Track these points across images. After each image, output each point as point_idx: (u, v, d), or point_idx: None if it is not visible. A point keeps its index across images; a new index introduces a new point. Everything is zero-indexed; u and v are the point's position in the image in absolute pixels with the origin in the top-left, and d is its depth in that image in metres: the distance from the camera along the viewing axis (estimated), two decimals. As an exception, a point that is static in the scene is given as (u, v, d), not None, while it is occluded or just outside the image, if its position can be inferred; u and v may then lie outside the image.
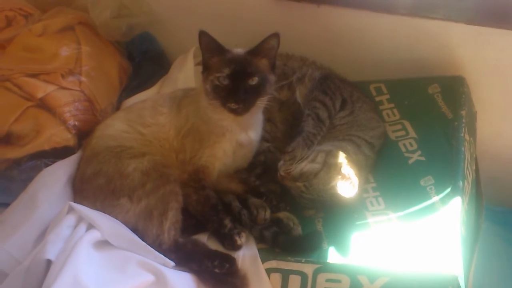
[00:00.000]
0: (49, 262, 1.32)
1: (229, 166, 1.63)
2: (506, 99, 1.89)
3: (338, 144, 1.57)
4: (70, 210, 1.44)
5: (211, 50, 1.52)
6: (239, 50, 1.54)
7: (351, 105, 1.68)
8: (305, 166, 1.51)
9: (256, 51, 1.53)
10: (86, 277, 1.26)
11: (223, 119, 1.55)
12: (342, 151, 1.52)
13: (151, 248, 1.41)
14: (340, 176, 1.48)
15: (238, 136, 1.58)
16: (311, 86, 1.73)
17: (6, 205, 1.55)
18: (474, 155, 1.74)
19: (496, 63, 1.81)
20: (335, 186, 1.48)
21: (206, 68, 1.54)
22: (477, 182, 1.73)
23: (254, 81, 1.49)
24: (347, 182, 1.48)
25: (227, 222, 1.50)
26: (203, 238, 1.53)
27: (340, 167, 1.48)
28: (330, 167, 1.49)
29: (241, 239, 1.48)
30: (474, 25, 1.74)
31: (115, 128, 1.62)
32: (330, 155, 1.51)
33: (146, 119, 1.63)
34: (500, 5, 1.72)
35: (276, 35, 1.51)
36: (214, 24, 2.10)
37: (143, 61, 2.17)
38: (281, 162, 1.55)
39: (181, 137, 1.60)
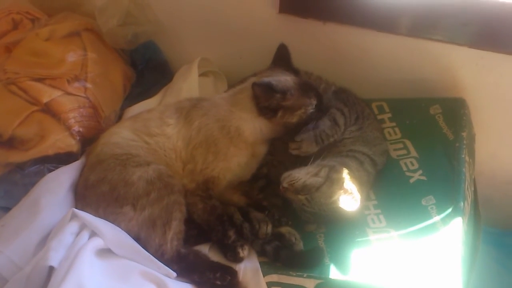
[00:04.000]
0: (51, 269, 1.31)
1: (237, 177, 1.64)
2: (504, 122, 1.91)
3: (341, 160, 1.58)
4: (73, 216, 1.44)
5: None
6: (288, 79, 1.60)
7: (361, 121, 1.69)
8: (308, 179, 1.51)
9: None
10: (90, 285, 1.26)
11: (258, 136, 1.60)
12: (345, 167, 1.53)
13: (154, 258, 1.40)
14: (342, 191, 1.49)
15: (256, 148, 1.60)
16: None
17: (7, 209, 1.54)
18: (473, 176, 1.76)
19: (496, 86, 1.84)
20: (337, 201, 1.49)
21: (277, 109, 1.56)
22: (475, 203, 1.76)
23: None
24: (349, 196, 1.48)
25: (231, 234, 1.50)
26: (204, 249, 1.53)
27: (343, 182, 1.49)
28: (333, 182, 1.50)
29: (243, 252, 1.48)
30: (477, 49, 1.77)
31: (121, 136, 1.62)
32: (333, 170, 1.52)
33: (152, 129, 1.63)
34: (502, 31, 1.74)
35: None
36: (219, 37, 2.14)
37: (146, 69, 2.18)
38: (285, 174, 1.54)
39: (191, 148, 1.60)
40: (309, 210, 1.52)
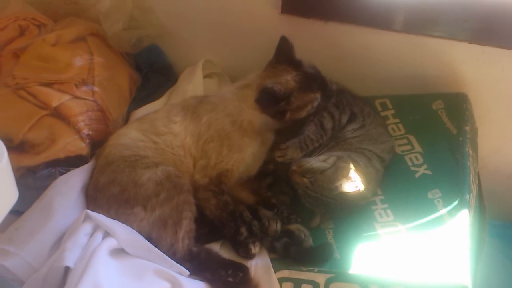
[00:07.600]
0: (67, 269, 1.34)
1: (248, 168, 1.67)
2: (506, 116, 1.94)
3: (350, 154, 1.61)
4: (87, 218, 1.46)
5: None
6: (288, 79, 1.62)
7: (361, 119, 1.71)
8: (315, 163, 1.56)
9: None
10: (106, 284, 1.28)
11: (268, 125, 1.63)
12: (353, 161, 1.57)
13: (167, 256, 1.42)
14: (345, 179, 1.52)
15: (265, 136, 1.65)
16: None
17: (19, 212, 1.55)
18: (477, 170, 1.79)
19: (497, 81, 1.86)
20: (339, 187, 1.52)
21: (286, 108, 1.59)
22: (480, 196, 1.78)
23: None
24: (352, 184, 1.52)
25: (244, 230, 1.53)
26: (215, 247, 1.56)
27: (348, 171, 1.53)
28: (338, 169, 1.54)
29: (255, 248, 1.51)
30: (477, 44, 1.79)
31: (129, 137, 1.64)
32: (341, 159, 1.56)
33: (159, 128, 1.65)
34: (502, 26, 1.77)
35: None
36: (222, 39, 2.16)
37: (150, 73, 2.20)
38: (296, 160, 1.59)
39: (202, 143, 1.62)
40: (311, 194, 1.55)
